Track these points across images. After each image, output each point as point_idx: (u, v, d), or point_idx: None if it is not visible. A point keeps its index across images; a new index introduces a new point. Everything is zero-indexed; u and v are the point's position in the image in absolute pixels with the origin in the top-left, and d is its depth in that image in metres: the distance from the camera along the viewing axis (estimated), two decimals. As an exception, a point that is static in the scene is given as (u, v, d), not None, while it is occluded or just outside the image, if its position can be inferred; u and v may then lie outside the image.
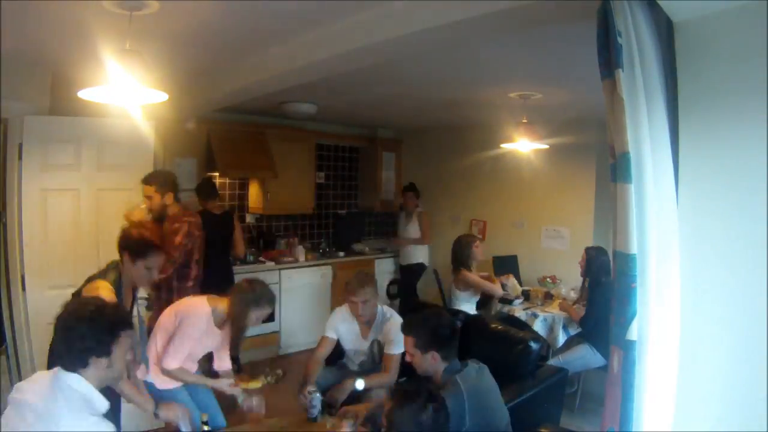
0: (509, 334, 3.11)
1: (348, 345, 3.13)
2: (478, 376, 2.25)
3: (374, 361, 3.06)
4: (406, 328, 2.36)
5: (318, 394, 2.52)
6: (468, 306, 4.30)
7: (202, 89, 3.70)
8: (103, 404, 1.62)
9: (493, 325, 3.36)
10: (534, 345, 3.01)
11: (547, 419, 2.25)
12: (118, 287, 2.39)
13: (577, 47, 2.52)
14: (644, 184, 1.33)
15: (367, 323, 3.05)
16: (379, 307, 3.07)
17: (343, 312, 3.10)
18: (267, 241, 5.71)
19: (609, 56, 1.38)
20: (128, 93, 2.20)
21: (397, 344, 2.94)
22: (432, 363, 2.24)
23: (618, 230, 1.36)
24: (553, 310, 4.28)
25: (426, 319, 2.33)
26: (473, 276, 4.29)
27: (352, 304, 2.99)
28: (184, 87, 3.54)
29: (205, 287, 4.24)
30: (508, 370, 2.79)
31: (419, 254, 5.90)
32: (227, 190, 5.58)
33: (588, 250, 4.08)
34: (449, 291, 4.54)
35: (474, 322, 3.55)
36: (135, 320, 2.46)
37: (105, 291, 2.25)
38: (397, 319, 3.02)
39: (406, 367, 3.22)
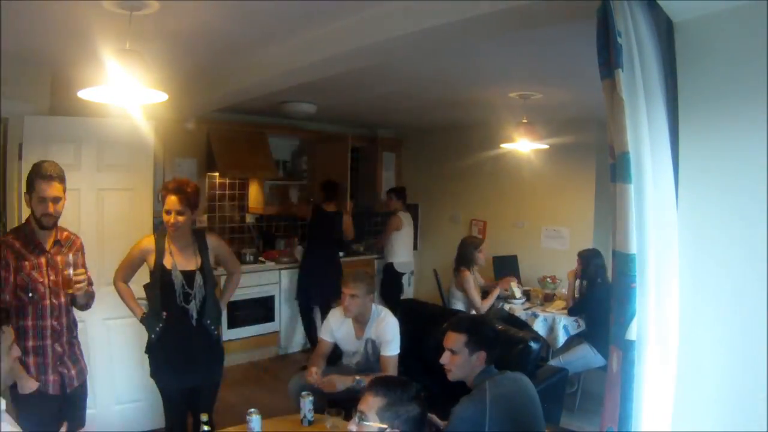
0: (509, 334, 3.11)
1: (343, 345, 3.14)
2: (512, 387, 2.15)
3: (369, 361, 3.06)
4: (457, 325, 2.23)
5: (311, 398, 2.51)
6: (466, 306, 4.31)
7: (202, 89, 3.70)
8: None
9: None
10: (534, 345, 3.01)
11: (547, 419, 2.25)
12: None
13: (576, 47, 2.52)
14: (644, 184, 1.33)
15: (360, 323, 3.05)
16: (374, 306, 3.07)
17: (337, 313, 3.11)
18: (267, 241, 5.72)
19: (609, 56, 1.38)
20: (128, 93, 2.20)
21: (393, 345, 2.95)
22: (476, 365, 2.16)
23: (617, 230, 1.36)
24: (554, 310, 4.28)
25: (479, 319, 2.33)
26: (470, 281, 4.30)
27: (342, 296, 3.00)
28: (184, 87, 3.54)
29: (316, 276, 5.03)
30: (508, 369, 2.78)
31: None
32: (227, 190, 5.58)
33: (581, 254, 4.07)
34: (449, 291, 4.55)
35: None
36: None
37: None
38: (391, 319, 3.02)
39: (407, 369, 3.24)
